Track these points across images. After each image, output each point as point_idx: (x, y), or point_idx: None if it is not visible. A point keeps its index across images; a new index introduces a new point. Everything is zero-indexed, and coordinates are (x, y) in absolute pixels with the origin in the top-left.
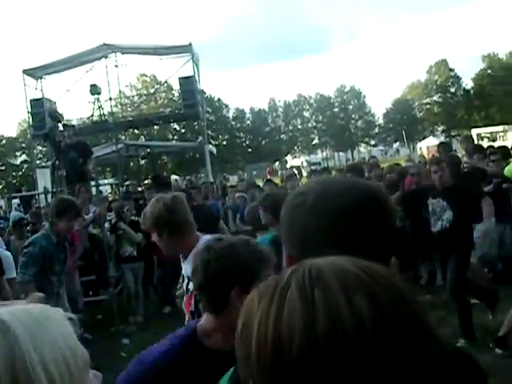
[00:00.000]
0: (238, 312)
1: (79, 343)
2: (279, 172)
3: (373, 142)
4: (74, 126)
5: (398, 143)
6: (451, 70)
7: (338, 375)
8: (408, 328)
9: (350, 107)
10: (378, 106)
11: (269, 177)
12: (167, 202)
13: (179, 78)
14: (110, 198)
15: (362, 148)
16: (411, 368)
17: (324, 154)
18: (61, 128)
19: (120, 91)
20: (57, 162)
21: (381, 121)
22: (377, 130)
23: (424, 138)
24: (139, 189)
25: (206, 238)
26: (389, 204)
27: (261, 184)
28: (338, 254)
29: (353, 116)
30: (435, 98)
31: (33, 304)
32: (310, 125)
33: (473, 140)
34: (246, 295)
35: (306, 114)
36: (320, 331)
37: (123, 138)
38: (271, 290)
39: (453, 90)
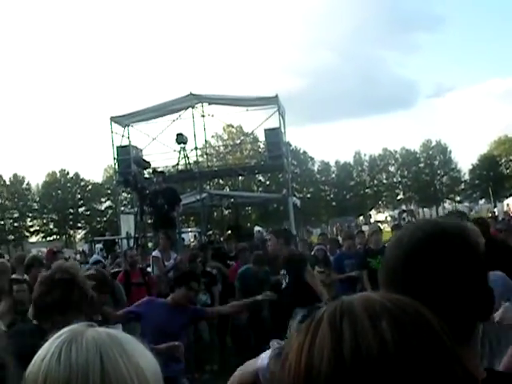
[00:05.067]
0: None
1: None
2: (363, 227)
3: (458, 199)
4: (163, 172)
5: (483, 200)
6: None
7: None
8: (432, 352)
9: (436, 163)
10: (464, 161)
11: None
12: None
13: (265, 130)
14: (192, 247)
15: (447, 204)
16: None
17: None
18: (146, 175)
19: (206, 141)
20: (140, 208)
21: (467, 177)
22: (462, 186)
23: (511, 195)
24: (221, 239)
25: None
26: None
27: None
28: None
29: (438, 171)
30: None
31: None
32: (395, 179)
33: None
34: None
35: (392, 168)
36: (346, 351)
37: (208, 187)
38: (307, 325)
39: None
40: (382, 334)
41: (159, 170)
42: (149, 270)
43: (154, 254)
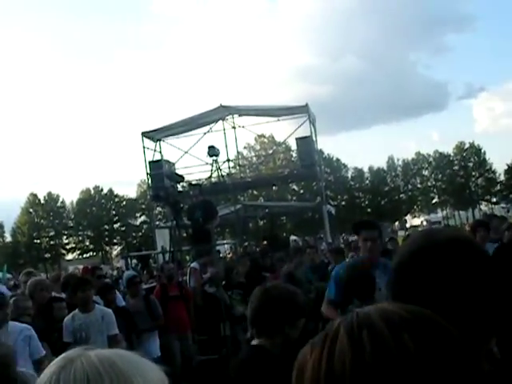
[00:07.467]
0: None
1: None
2: (399, 232)
3: (494, 200)
4: (199, 185)
5: None
6: None
7: None
8: (453, 356)
9: (470, 164)
10: (499, 162)
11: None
12: None
13: (296, 139)
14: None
15: (483, 206)
16: None
17: (444, 212)
18: (180, 188)
19: (238, 152)
20: (174, 222)
21: (502, 177)
22: (498, 187)
23: None
24: (258, 249)
25: None
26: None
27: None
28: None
29: (473, 173)
30: None
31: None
32: (429, 183)
33: None
34: None
35: (425, 172)
36: (368, 359)
37: (242, 198)
38: (322, 339)
39: None
40: (403, 344)
41: (193, 183)
42: (184, 278)
43: (192, 265)
